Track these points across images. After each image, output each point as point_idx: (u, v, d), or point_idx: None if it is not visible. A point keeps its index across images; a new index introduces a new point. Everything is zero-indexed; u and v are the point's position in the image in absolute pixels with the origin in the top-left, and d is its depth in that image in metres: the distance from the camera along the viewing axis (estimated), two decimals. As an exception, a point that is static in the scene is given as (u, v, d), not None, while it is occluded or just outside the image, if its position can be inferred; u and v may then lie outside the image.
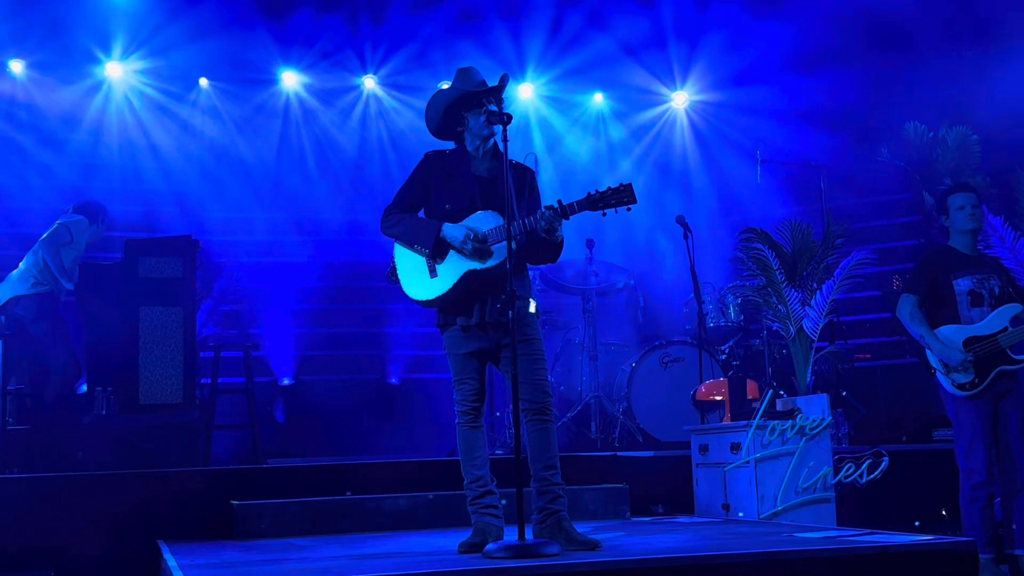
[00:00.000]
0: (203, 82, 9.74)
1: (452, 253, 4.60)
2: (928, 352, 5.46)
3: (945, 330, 5.43)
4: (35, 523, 5.39)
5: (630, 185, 4.54)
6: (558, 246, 4.67)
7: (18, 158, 8.87)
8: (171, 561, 4.47)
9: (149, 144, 9.56)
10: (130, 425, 6.65)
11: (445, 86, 4.84)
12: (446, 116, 4.71)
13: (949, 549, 4.18)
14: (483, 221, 4.59)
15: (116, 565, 5.38)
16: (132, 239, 7.23)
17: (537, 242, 4.61)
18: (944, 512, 6.17)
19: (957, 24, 9.05)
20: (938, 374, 5.43)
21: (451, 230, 4.56)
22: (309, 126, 10.07)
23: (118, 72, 9.37)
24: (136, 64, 9.37)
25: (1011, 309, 5.40)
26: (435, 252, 4.60)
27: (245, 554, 4.78)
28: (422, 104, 4.84)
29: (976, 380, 5.32)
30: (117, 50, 9.23)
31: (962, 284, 5.46)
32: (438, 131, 4.79)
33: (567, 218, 4.51)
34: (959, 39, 9.03)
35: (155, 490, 5.70)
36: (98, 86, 9.37)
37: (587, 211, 4.53)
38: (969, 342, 5.37)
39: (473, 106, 4.64)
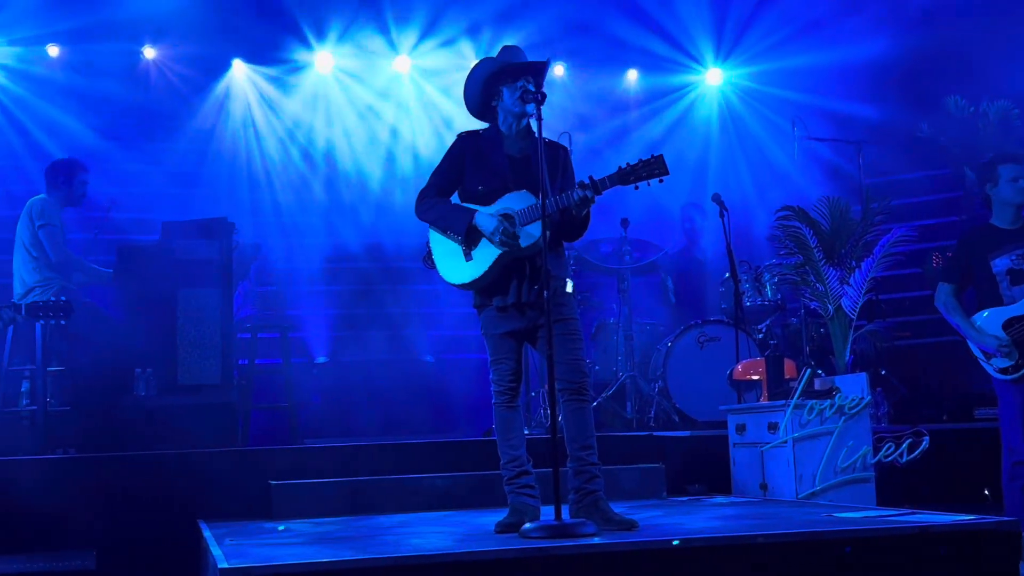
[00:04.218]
0: (236, 63, 9.78)
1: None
2: (967, 341, 5.40)
3: (983, 315, 5.35)
4: (78, 503, 5.45)
5: (661, 156, 4.51)
6: (584, 222, 4.65)
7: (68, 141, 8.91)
8: (211, 539, 4.51)
9: (181, 125, 9.62)
10: (169, 405, 6.69)
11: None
12: (484, 88, 4.68)
13: (991, 529, 4.13)
14: (515, 201, 4.58)
15: (157, 544, 5.43)
16: (169, 221, 7.25)
17: (569, 219, 4.59)
18: (987, 492, 6.10)
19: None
20: (980, 361, 5.36)
21: (483, 220, 4.55)
22: (344, 105, 10.06)
23: (151, 54, 9.44)
24: (168, 45, 9.42)
25: None
26: (468, 239, 4.60)
27: (282, 534, 4.82)
28: (459, 80, 4.81)
29: (1021, 362, 5.22)
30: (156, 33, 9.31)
31: (1000, 264, 5.36)
32: (475, 105, 4.75)
33: (599, 193, 4.48)
34: (1002, 9, 8.86)
35: (195, 470, 5.74)
36: (132, 68, 9.44)
37: (619, 185, 4.50)
38: (1009, 323, 5.27)
39: (510, 81, 4.62)
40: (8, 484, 5.46)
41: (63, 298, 5.96)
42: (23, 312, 5.82)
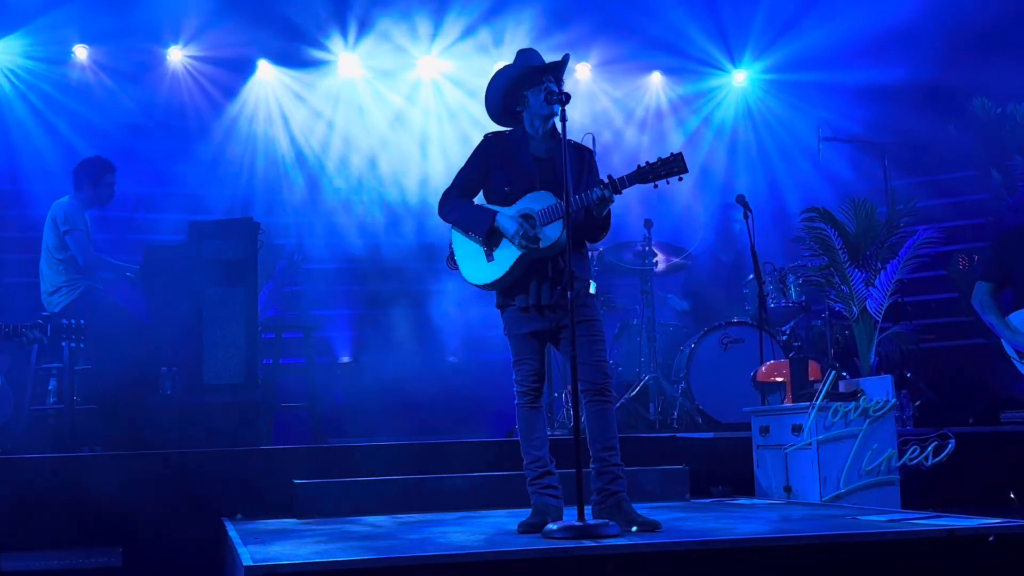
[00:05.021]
0: (262, 64, 9.82)
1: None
2: (1002, 340, 5.37)
3: (1019, 314, 5.32)
4: (104, 501, 5.48)
5: (680, 155, 4.50)
6: (606, 224, 4.65)
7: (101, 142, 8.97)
8: (235, 537, 4.54)
9: (207, 126, 9.68)
10: (194, 404, 6.73)
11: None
12: (506, 95, 4.70)
13: (1017, 532, 4.10)
14: (535, 201, 4.59)
15: (182, 541, 5.47)
16: (195, 221, 7.30)
17: (590, 219, 4.60)
18: (1012, 495, 6.05)
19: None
20: (1013, 361, 5.33)
21: (504, 222, 4.56)
22: (371, 106, 10.08)
23: (177, 56, 9.50)
24: (194, 47, 9.48)
25: None
26: (489, 240, 4.61)
27: (305, 533, 4.84)
28: (484, 81, 4.81)
29: None
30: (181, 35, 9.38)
31: (1036, 264, 5.34)
32: (497, 112, 4.78)
33: (618, 192, 4.48)
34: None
35: (219, 469, 5.78)
36: (158, 70, 9.50)
37: (638, 184, 4.49)
38: None
39: (533, 84, 4.63)
40: (36, 481, 5.52)
41: (82, 321, 6.07)
42: (48, 333, 5.96)
